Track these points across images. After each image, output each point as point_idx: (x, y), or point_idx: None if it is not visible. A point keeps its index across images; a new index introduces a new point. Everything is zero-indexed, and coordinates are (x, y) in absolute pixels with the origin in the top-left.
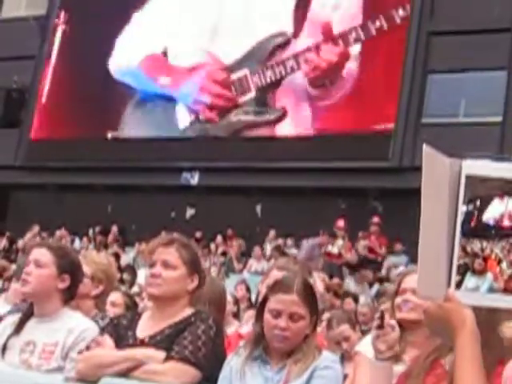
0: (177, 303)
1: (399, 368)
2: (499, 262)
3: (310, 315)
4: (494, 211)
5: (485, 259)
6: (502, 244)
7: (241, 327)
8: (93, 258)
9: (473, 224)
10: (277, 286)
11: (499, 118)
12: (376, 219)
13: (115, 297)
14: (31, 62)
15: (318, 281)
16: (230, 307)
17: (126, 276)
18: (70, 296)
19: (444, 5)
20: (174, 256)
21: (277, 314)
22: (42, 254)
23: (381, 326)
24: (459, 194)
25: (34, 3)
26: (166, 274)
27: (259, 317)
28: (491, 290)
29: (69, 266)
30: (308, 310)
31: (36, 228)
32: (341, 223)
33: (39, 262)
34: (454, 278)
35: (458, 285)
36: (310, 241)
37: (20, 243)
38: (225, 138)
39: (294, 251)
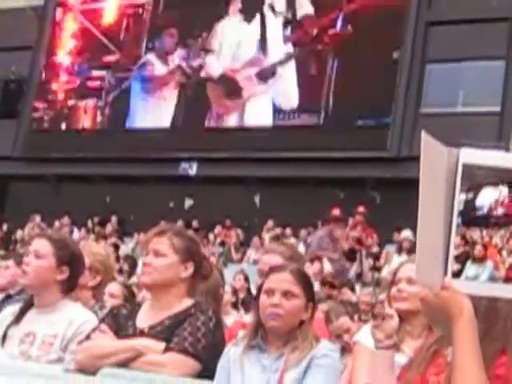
0: (171, 291)
1: (400, 358)
2: (499, 250)
3: (306, 299)
4: (489, 199)
5: (485, 247)
6: (502, 232)
7: (243, 317)
8: (91, 249)
9: (472, 213)
10: (271, 270)
11: (497, 108)
12: (361, 209)
13: (114, 288)
14: (29, 53)
15: (327, 262)
16: (229, 297)
17: (126, 266)
18: (70, 287)
19: None
20: (165, 244)
21: (270, 292)
22: (41, 245)
23: (379, 316)
24: (456, 183)
25: None
26: (156, 262)
27: (256, 305)
28: (492, 278)
29: (68, 258)
30: (302, 291)
31: (37, 218)
32: (336, 212)
33: (39, 252)
34: (451, 266)
35: (458, 273)
36: (319, 232)
37: (18, 234)
38: (222, 129)
39: (292, 241)
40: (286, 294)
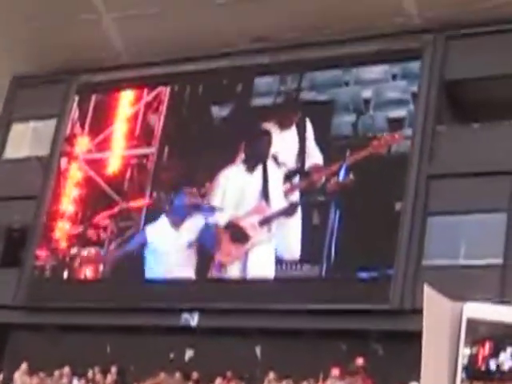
0: None
1: None
2: None
3: None
4: (495, 355)
5: None
6: None
7: None
8: None
9: (477, 367)
10: None
11: (500, 260)
12: (360, 361)
13: None
14: (33, 202)
15: None
16: None
17: None
18: None
19: (443, 148)
20: None
21: None
22: None
23: None
24: (460, 337)
25: (37, 144)
26: None
27: None
28: None
29: None
30: None
31: (24, 366)
32: (336, 372)
33: None
34: None
35: None
36: None
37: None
38: (224, 280)
39: None
40: None
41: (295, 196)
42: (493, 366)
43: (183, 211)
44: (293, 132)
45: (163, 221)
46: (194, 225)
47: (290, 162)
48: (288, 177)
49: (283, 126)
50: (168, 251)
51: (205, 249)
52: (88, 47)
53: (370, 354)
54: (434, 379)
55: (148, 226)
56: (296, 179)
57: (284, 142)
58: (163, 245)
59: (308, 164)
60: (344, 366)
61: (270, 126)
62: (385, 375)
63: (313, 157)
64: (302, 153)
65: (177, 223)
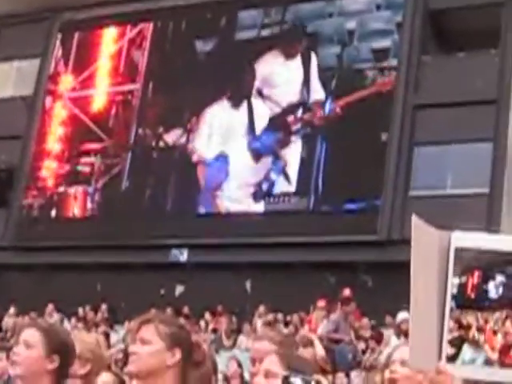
0: (158, 379)
1: None
2: (494, 333)
3: None
4: (484, 283)
5: (481, 331)
6: (497, 315)
7: None
8: (80, 337)
9: (466, 296)
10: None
11: (486, 190)
12: (347, 292)
13: (105, 378)
14: (19, 142)
15: (319, 346)
16: None
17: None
18: (61, 376)
19: (428, 78)
20: (150, 332)
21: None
22: (30, 335)
23: None
24: (449, 267)
25: (21, 83)
26: (141, 350)
27: None
28: (488, 362)
29: (58, 347)
30: None
31: (12, 310)
32: (322, 303)
33: (28, 342)
34: (446, 350)
35: (454, 357)
36: (333, 316)
37: (8, 322)
38: (213, 214)
39: (281, 327)
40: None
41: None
42: (481, 293)
43: None
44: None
45: None
46: None
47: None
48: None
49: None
50: None
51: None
52: None
53: (358, 286)
54: (423, 309)
55: None
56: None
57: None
58: None
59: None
60: (331, 298)
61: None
62: (374, 306)
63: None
64: (305, 85)
65: None
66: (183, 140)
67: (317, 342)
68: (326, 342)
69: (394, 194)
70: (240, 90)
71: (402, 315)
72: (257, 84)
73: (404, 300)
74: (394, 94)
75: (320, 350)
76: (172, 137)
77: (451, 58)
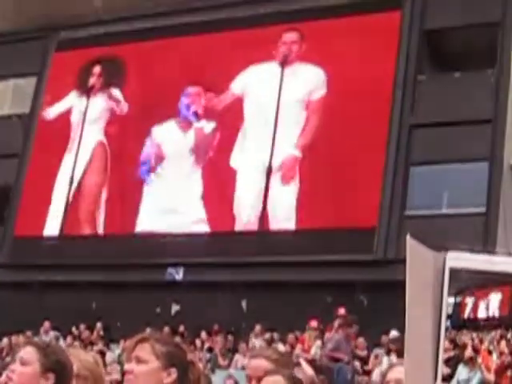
0: None
1: None
2: (490, 353)
3: None
4: (479, 302)
5: (476, 351)
6: (491, 335)
7: None
8: (79, 356)
9: (462, 316)
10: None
11: (482, 209)
12: (342, 311)
13: None
14: (14, 161)
15: (307, 366)
16: None
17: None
18: None
19: (425, 97)
20: (146, 351)
21: None
22: (27, 352)
23: None
24: (443, 287)
25: (18, 102)
26: (137, 369)
27: None
28: (483, 382)
29: (54, 364)
30: None
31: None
32: (314, 323)
33: (24, 359)
34: (441, 370)
35: (449, 378)
36: (336, 335)
37: (3, 342)
38: (209, 234)
39: (280, 346)
40: None
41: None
42: (476, 314)
43: None
44: None
45: None
46: None
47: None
48: None
49: None
50: None
51: None
52: (67, 2)
53: (355, 305)
54: (418, 329)
55: None
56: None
57: None
58: None
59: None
60: (326, 317)
61: None
62: (369, 325)
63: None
64: None
65: None
66: None
67: (304, 364)
68: (325, 360)
69: (390, 214)
70: None
71: (392, 333)
72: None
73: (400, 319)
74: (390, 113)
75: (309, 371)
76: None
77: (447, 78)
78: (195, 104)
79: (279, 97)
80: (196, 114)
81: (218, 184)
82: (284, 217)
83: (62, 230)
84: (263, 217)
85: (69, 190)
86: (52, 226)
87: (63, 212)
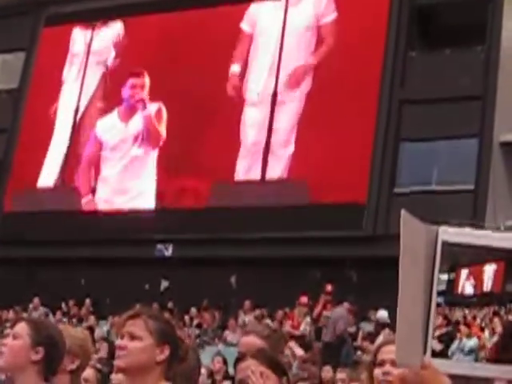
0: (147, 375)
1: None
2: (482, 330)
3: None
4: (471, 279)
5: (468, 327)
6: (484, 312)
7: None
8: (68, 332)
9: (455, 292)
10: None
11: (471, 186)
12: (329, 287)
13: (87, 373)
14: (4, 136)
15: (296, 346)
16: (204, 379)
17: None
18: (49, 371)
19: (415, 74)
20: (139, 327)
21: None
22: (19, 327)
23: None
24: (435, 261)
25: (6, 77)
26: (131, 345)
27: None
28: (475, 358)
29: (44, 339)
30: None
31: None
32: (304, 300)
33: (15, 333)
34: (431, 344)
35: (442, 353)
36: (339, 310)
37: None
38: (198, 209)
39: (269, 322)
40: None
41: None
42: (469, 290)
43: None
44: None
45: None
46: None
47: None
48: None
49: None
50: None
51: None
52: None
53: (344, 281)
54: (410, 304)
55: None
56: None
57: None
58: None
59: None
60: (315, 293)
61: None
62: (358, 301)
63: None
64: None
65: None
66: None
67: (292, 344)
68: (330, 335)
69: (379, 190)
70: None
71: (380, 313)
72: None
73: (388, 296)
74: (380, 88)
75: (299, 351)
76: None
77: (437, 54)
78: None
79: None
80: None
81: None
82: (274, 193)
83: (51, 206)
84: (254, 193)
85: (60, 167)
86: (42, 202)
87: (53, 186)
